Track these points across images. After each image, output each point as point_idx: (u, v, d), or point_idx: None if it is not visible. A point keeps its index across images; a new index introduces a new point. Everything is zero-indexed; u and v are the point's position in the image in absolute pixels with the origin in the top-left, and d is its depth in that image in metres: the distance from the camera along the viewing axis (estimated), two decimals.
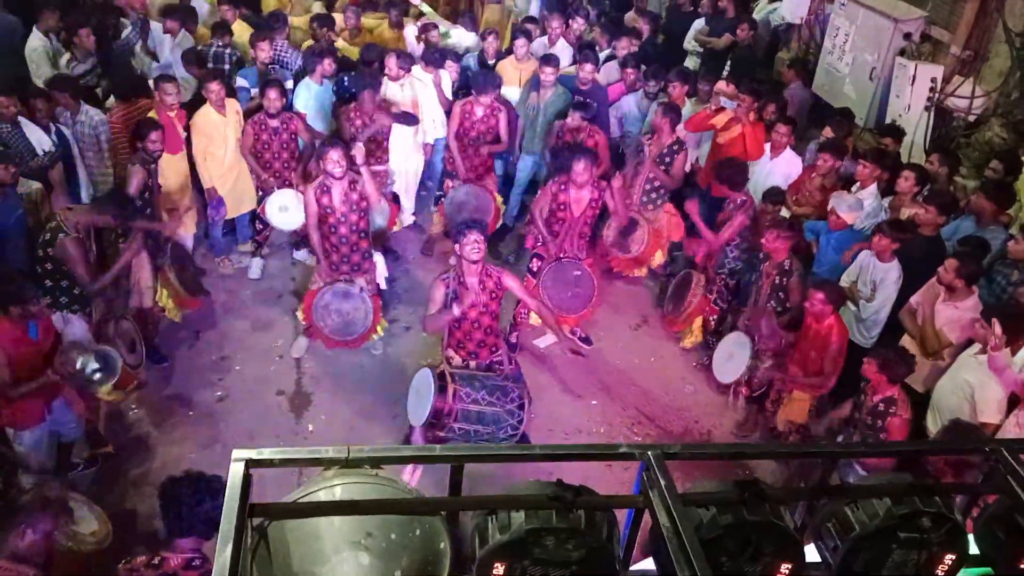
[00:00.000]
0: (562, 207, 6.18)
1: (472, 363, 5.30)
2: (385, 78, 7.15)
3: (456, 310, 5.01)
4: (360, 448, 1.81)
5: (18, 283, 4.53)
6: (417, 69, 7.31)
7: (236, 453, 1.82)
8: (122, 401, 5.63)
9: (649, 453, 1.84)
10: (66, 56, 7.39)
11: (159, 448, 5.54)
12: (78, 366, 4.53)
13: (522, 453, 1.89)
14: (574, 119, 6.77)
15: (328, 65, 7.08)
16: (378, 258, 6.41)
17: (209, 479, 3.43)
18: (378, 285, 6.44)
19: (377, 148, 6.91)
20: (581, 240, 6.33)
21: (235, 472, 1.78)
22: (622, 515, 1.99)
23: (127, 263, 5.42)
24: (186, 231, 6.72)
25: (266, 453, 1.82)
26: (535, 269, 6.48)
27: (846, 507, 1.96)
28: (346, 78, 7.29)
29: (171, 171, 6.38)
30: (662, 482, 1.81)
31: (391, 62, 7.05)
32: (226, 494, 1.73)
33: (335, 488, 1.83)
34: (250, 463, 1.80)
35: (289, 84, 7.28)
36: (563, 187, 6.14)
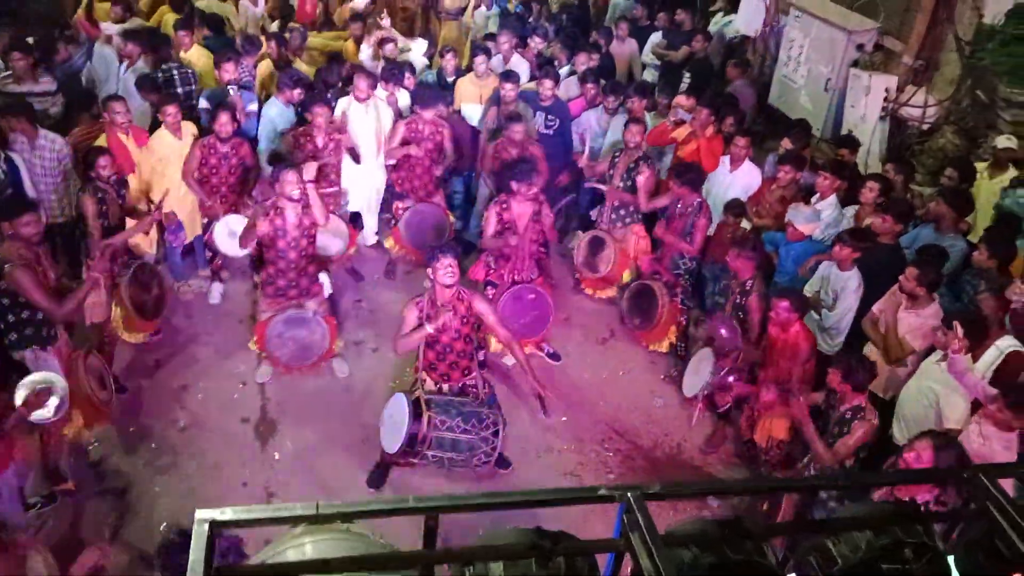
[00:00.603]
0: (507, 226, 6.15)
1: (445, 386, 5.25)
2: (348, 99, 7.06)
3: (429, 327, 4.96)
4: (330, 504, 1.74)
5: None
6: (378, 89, 7.24)
7: (199, 514, 1.74)
8: (88, 439, 5.46)
9: (629, 495, 1.79)
10: (4, 73, 7.19)
11: (123, 482, 5.36)
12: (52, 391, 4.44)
13: (499, 501, 1.83)
14: (516, 132, 6.72)
15: (297, 93, 7.05)
16: (323, 278, 6.30)
17: None
18: (330, 304, 6.35)
19: (328, 169, 6.80)
20: (530, 260, 6.31)
21: (199, 534, 1.70)
22: (603, 557, 1.95)
23: (89, 289, 5.20)
24: (149, 248, 6.59)
25: (229, 513, 1.74)
26: (491, 297, 6.42)
27: (828, 540, 1.94)
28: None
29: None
30: (643, 524, 1.77)
31: (361, 83, 6.96)
32: (190, 557, 1.65)
33: (305, 546, 1.76)
34: (214, 524, 1.72)
35: (253, 107, 7.18)
36: (504, 206, 6.13)
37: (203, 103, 7.10)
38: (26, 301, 4.90)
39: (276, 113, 7.05)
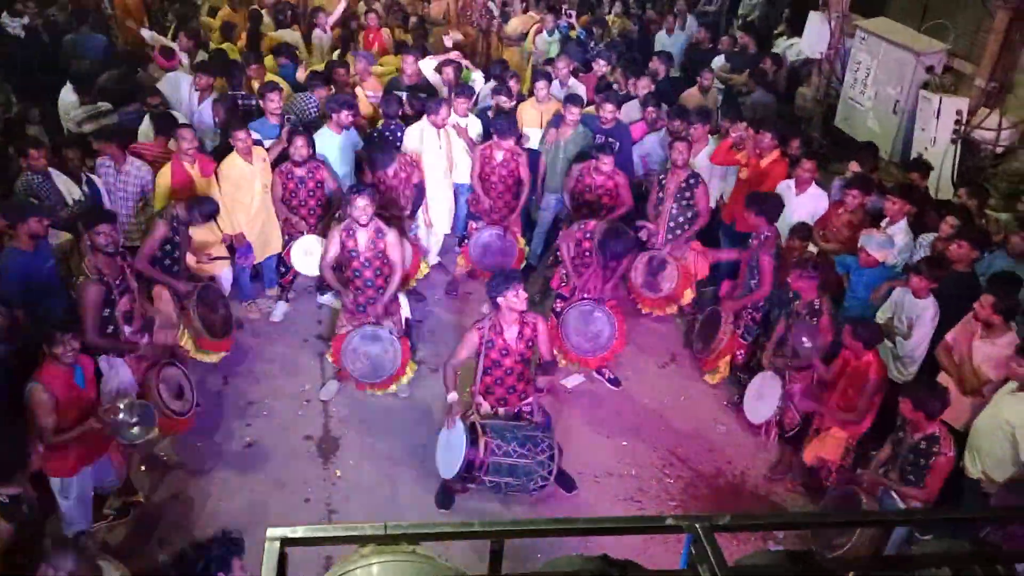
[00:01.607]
0: (587, 253, 6.16)
1: (501, 410, 5.26)
2: (422, 124, 7.14)
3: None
4: (397, 524, 1.76)
5: (49, 326, 4.58)
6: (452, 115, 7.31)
7: (271, 532, 1.78)
8: (157, 442, 5.64)
9: (697, 526, 1.77)
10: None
11: (189, 496, 5.53)
12: (121, 416, 4.58)
13: (566, 527, 1.83)
14: (605, 163, 6.69)
15: (344, 116, 7.02)
16: (401, 298, 6.40)
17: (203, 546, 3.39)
18: (404, 325, 6.44)
19: (397, 195, 6.91)
20: (607, 285, 6.30)
21: (270, 551, 1.74)
22: None
23: (125, 345, 5.34)
24: (220, 272, 6.77)
25: (300, 532, 1.78)
26: (558, 310, 6.45)
27: None
28: (375, 132, 7.35)
29: None
30: (711, 556, 1.74)
31: (442, 111, 7.02)
32: (262, 574, 1.69)
33: (372, 566, 1.78)
34: (285, 542, 1.76)
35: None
36: (587, 236, 6.14)
37: (253, 135, 7.23)
38: (107, 314, 5.12)
39: (324, 143, 7.03)
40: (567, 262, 6.34)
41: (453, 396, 5.13)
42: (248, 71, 8.06)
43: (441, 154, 7.18)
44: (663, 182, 6.84)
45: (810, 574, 1.74)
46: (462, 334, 5.31)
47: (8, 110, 8.60)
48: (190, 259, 6.32)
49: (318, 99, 7.74)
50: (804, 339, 5.35)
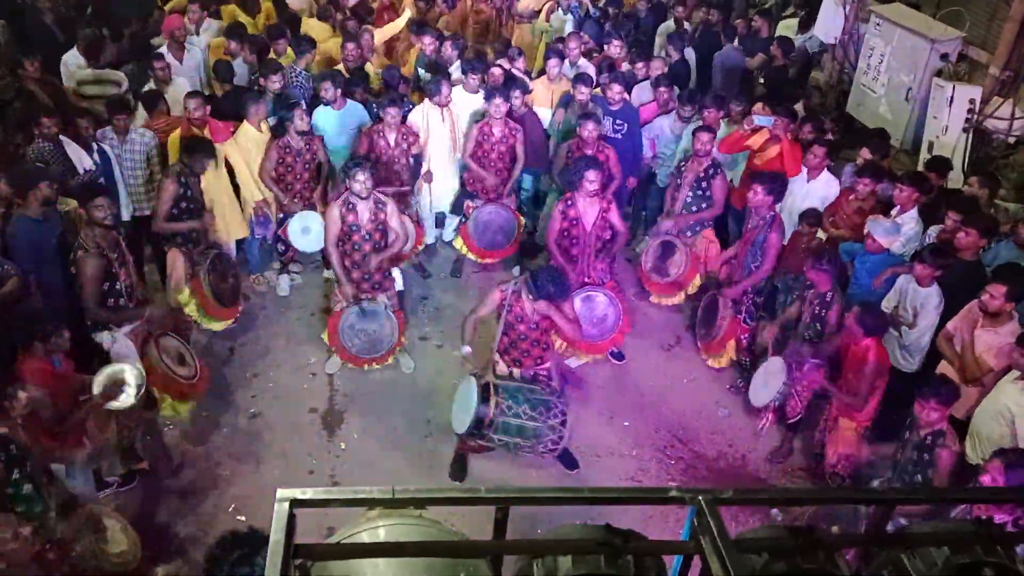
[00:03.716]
0: (573, 223, 6.14)
1: (516, 371, 5.34)
2: (428, 104, 7.10)
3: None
4: (405, 488, 1.78)
5: (40, 321, 4.68)
6: (458, 91, 7.27)
7: (280, 493, 1.80)
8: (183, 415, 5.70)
9: (700, 498, 1.79)
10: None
11: (194, 465, 5.59)
12: (125, 392, 4.65)
13: (570, 496, 1.85)
14: (589, 130, 6.65)
15: (324, 92, 6.93)
16: (395, 273, 6.42)
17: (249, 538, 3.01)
18: (399, 299, 6.46)
19: (399, 168, 6.92)
20: (600, 262, 6.29)
21: (280, 512, 1.77)
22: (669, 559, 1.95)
23: (129, 313, 5.34)
24: (227, 239, 6.79)
25: (310, 493, 1.80)
26: None
27: (903, 555, 1.90)
28: (374, 104, 7.27)
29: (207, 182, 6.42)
30: (714, 528, 1.76)
31: (444, 90, 6.99)
32: (271, 535, 1.72)
33: (379, 529, 1.81)
34: (294, 503, 1.78)
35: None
36: (569, 203, 6.13)
37: None
38: (108, 287, 5.14)
39: (325, 118, 7.05)
40: (555, 254, 6.23)
41: (467, 349, 5.25)
42: (275, 46, 8.02)
43: (445, 133, 7.15)
44: (682, 169, 6.82)
45: (811, 547, 1.76)
46: (466, 311, 5.37)
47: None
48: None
49: (302, 70, 7.72)
50: (805, 354, 5.40)
